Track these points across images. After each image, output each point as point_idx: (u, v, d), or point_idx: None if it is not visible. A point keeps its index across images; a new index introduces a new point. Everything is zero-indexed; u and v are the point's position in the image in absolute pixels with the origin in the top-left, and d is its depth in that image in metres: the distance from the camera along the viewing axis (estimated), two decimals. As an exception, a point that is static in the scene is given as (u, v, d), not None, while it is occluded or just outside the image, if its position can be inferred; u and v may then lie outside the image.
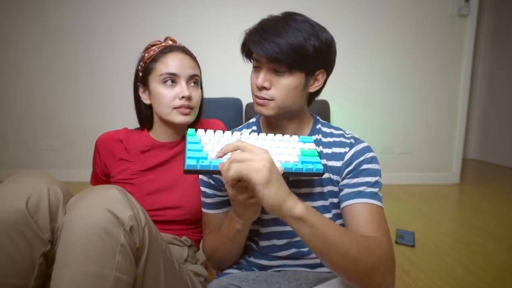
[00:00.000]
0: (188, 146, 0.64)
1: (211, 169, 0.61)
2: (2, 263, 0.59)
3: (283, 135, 0.72)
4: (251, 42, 0.69)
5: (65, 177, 2.41)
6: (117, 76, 2.50)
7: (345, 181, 0.73)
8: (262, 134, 0.71)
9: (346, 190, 0.71)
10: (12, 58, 2.54)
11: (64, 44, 2.53)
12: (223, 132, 0.69)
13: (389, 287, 0.61)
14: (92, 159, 0.97)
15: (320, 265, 0.77)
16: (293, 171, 0.64)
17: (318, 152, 0.72)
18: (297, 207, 0.55)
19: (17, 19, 2.49)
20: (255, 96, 0.73)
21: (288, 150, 0.68)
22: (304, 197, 0.75)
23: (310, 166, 0.65)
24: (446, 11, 2.59)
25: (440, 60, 2.64)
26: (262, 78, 0.70)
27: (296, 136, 0.72)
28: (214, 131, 0.69)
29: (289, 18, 0.69)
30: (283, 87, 0.69)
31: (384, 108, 2.68)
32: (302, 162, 0.66)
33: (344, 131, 0.81)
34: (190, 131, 0.68)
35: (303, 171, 0.65)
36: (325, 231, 0.56)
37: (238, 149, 0.57)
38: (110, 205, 0.57)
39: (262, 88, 0.70)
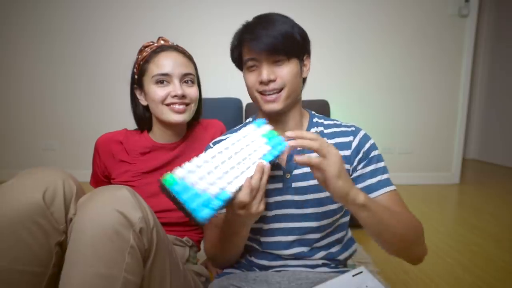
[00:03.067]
0: (183, 197, 0.55)
1: (223, 204, 0.57)
2: (23, 252, 0.60)
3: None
4: (246, 41, 0.71)
5: (65, 177, 2.42)
6: (117, 76, 2.50)
7: (359, 171, 0.75)
8: (225, 143, 0.65)
9: (368, 182, 0.74)
10: (12, 58, 2.54)
11: (64, 44, 2.53)
12: (201, 158, 0.62)
13: (425, 254, 0.73)
14: (92, 160, 0.97)
15: (320, 265, 0.76)
16: (273, 158, 0.64)
17: (273, 129, 0.69)
18: (360, 196, 0.61)
19: (17, 19, 2.49)
20: (260, 93, 0.73)
21: (256, 143, 0.66)
22: (313, 188, 0.75)
23: (280, 146, 0.65)
24: (446, 11, 2.59)
25: (440, 60, 2.64)
26: (266, 72, 0.71)
27: (252, 125, 0.70)
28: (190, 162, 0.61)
29: (267, 16, 0.73)
30: (287, 74, 0.72)
31: (384, 108, 2.68)
32: (273, 147, 0.65)
33: (337, 120, 0.84)
34: (169, 179, 0.57)
35: (279, 154, 0.65)
36: (381, 215, 0.63)
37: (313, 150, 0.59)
38: (121, 206, 0.57)
39: (268, 82, 0.71)
